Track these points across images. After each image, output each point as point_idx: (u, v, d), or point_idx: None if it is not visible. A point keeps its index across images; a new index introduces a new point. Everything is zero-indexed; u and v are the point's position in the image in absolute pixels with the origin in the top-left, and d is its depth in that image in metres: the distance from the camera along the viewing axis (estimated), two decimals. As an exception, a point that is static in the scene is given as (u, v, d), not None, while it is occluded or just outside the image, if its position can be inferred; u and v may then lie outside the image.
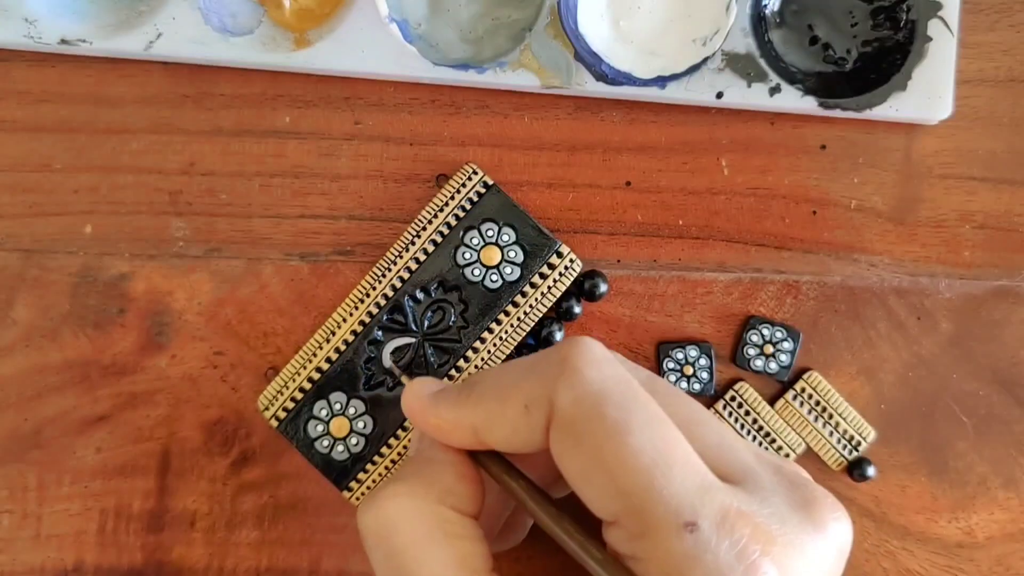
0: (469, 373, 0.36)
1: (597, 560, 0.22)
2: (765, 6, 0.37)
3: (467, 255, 0.36)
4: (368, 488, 0.36)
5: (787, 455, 0.37)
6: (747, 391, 0.37)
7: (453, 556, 0.22)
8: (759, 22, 0.37)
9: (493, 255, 0.36)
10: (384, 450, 0.36)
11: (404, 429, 0.36)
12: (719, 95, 0.36)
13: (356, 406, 0.36)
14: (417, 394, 0.26)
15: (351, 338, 0.36)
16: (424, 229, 0.36)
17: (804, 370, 0.38)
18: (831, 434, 0.37)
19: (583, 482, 0.22)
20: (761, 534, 0.20)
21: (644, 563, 0.20)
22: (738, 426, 0.37)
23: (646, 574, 0.20)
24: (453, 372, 0.36)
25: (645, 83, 0.36)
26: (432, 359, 0.36)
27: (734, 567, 0.20)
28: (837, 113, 0.37)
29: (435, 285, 0.36)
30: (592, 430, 0.21)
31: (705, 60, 0.36)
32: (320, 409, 0.36)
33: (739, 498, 0.21)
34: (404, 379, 0.30)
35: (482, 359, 0.36)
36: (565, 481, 0.27)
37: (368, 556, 0.24)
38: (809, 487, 0.23)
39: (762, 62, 0.36)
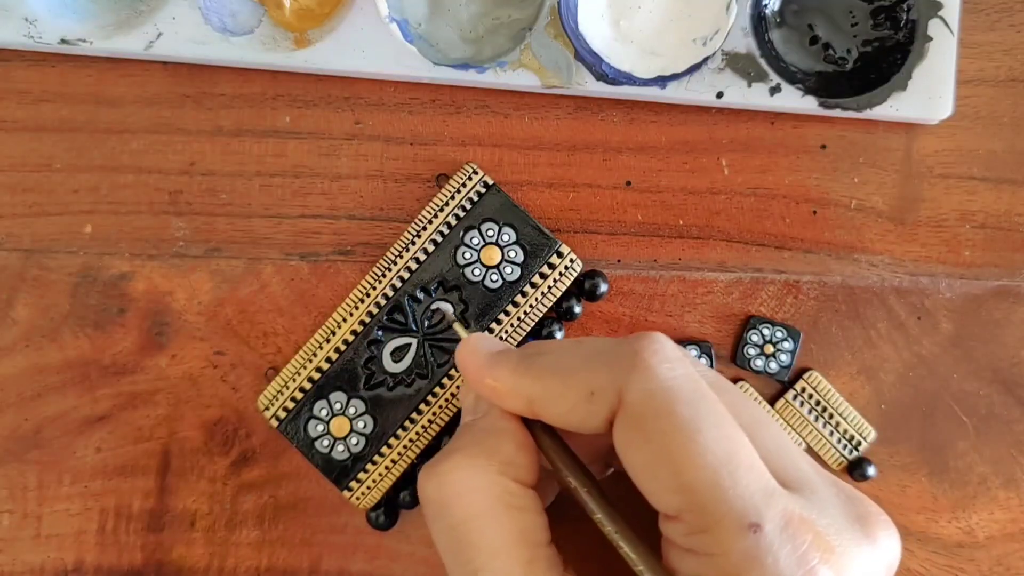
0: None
1: (633, 546, 0.22)
2: (765, 6, 0.37)
3: (467, 255, 0.36)
4: (368, 487, 0.36)
5: (787, 455, 0.37)
6: (747, 391, 0.37)
7: (515, 529, 0.23)
8: (759, 22, 0.37)
9: (493, 255, 0.36)
10: (384, 450, 0.36)
11: (404, 429, 0.36)
12: (719, 95, 0.36)
13: (356, 406, 0.36)
14: (474, 350, 0.26)
15: (351, 338, 0.36)
16: (424, 229, 0.36)
17: (804, 370, 0.38)
18: (831, 434, 0.37)
19: (647, 475, 0.22)
20: (821, 542, 0.21)
21: (704, 558, 0.21)
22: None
23: (704, 569, 0.21)
24: (453, 372, 0.36)
25: (645, 83, 0.36)
26: (432, 359, 0.36)
27: (793, 572, 0.20)
28: (837, 113, 0.37)
29: (435, 285, 0.36)
30: (661, 426, 0.22)
31: (705, 60, 0.36)
32: (320, 409, 0.36)
33: (801, 504, 0.21)
34: (460, 330, 0.29)
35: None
36: (605, 461, 0.27)
37: (428, 525, 0.24)
38: (864, 502, 0.23)
39: (762, 62, 0.36)
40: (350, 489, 0.36)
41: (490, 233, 0.36)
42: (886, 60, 0.37)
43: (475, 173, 0.36)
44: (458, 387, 0.36)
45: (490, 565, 0.22)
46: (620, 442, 0.22)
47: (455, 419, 0.36)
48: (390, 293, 0.36)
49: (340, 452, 0.36)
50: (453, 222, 0.36)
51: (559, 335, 0.37)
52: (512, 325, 0.36)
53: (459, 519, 0.23)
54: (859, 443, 0.37)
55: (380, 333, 0.36)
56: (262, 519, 0.37)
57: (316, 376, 0.36)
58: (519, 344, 0.36)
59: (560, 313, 0.37)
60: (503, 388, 0.25)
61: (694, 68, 0.36)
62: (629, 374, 0.22)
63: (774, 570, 0.20)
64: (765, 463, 0.22)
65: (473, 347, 0.26)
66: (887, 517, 0.23)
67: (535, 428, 0.25)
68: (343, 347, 0.36)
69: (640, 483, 0.22)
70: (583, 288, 0.37)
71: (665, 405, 0.22)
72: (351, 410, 0.36)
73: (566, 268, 0.36)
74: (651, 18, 0.37)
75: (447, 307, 0.34)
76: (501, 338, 0.36)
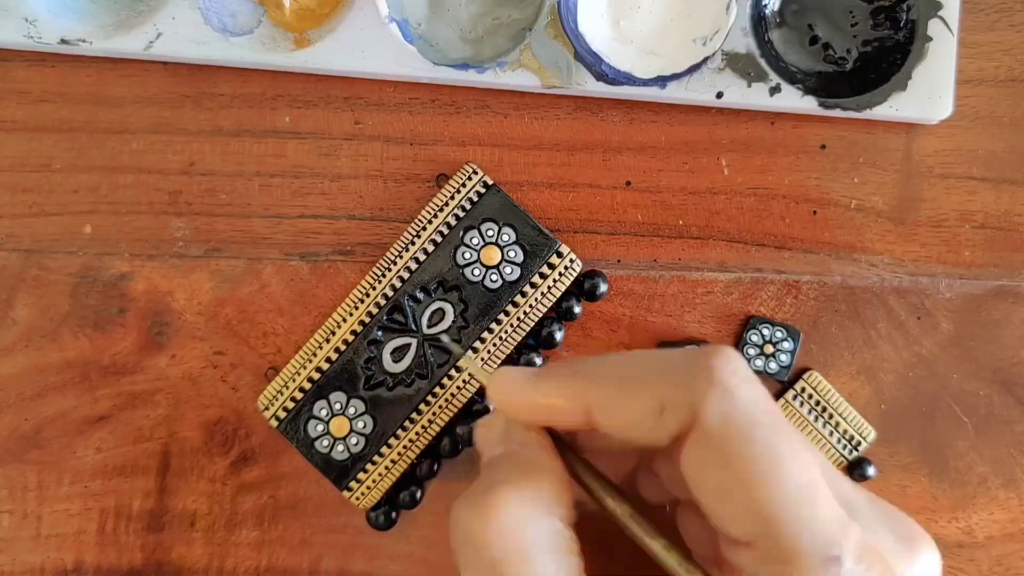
0: (469, 374, 0.36)
1: (693, 572, 0.22)
2: (765, 6, 0.37)
3: (467, 255, 0.36)
4: (368, 487, 0.36)
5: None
6: (747, 391, 0.37)
7: (561, 573, 0.22)
8: (759, 22, 0.37)
9: (493, 255, 0.36)
10: (384, 450, 0.36)
11: (404, 429, 0.36)
12: (719, 95, 0.36)
13: (356, 406, 0.36)
14: (513, 377, 0.24)
15: (351, 338, 0.36)
16: (424, 229, 0.36)
17: (804, 370, 0.38)
18: (831, 434, 0.37)
19: (721, 498, 0.21)
20: (888, 570, 0.21)
21: None
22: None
23: None
24: (453, 372, 0.36)
25: (645, 83, 0.36)
26: (432, 359, 0.36)
27: None
28: (837, 113, 0.36)
29: (435, 285, 0.36)
30: (742, 450, 0.21)
31: (705, 60, 0.36)
32: (320, 409, 0.36)
33: (864, 534, 0.21)
34: (477, 372, 0.27)
35: (482, 359, 0.36)
36: (633, 478, 0.26)
37: (456, 555, 0.23)
38: (907, 521, 0.23)
39: (762, 62, 0.36)
40: (350, 489, 0.36)
41: (490, 233, 0.36)
42: (886, 60, 0.37)
43: (475, 173, 0.36)
44: (457, 388, 0.36)
45: None
46: (692, 462, 0.22)
47: (455, 419, 0.36)
48: (390, 293, 0.36)
49: (340, 452, 0.36)
50: (453, 222, 0.36)
51: (559, 335, 0.37)
52: (512, 325, 0.36)
53: (502, 555, 0.22)
54: (859, 443, 0.37)
55: (380, 333, 0.36)
56: (262, 519, 0.37)
57: (316, 376, 0.36)
58: (516, 346, 0.36)
59: (560, 313, 0.37)
60: (559, 402, 0.23)
61: (694, 68, 0.36)
62: (706, 392, 0.22)
63: None
64: None
65: (509, 375, 0.25)
66: (928, 535, 0.23)
67: (570, 457, 0.24)
68: (343, 347, 0.36)
69: (710, 505, 0.22)
70: (583, 288, 0.37)
71: (745, 429, 0.21)
72: (351, 410, 0.36)
73: (566, 268, 0.36)
74: (651, 18, 0.37)
75: (457, 347, 0.33)
76: (500, 339, 0.36)
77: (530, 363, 0.36)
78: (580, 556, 0.23)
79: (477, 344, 0.36)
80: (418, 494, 0.36)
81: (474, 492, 0.23)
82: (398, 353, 0.36)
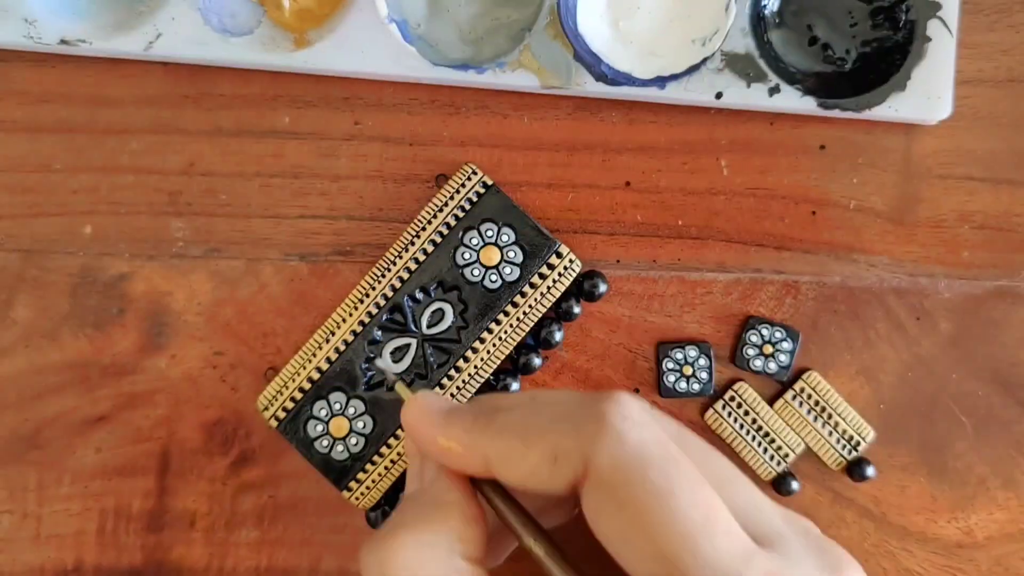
0: (468, 374, 0.36)
1: None
2: (764, 6, 0.37)
3: (466, 255, 0.36)
4: (368, 487, 0.36)
5: (786, 455, 0.37)
6: (746, 391, 0.37)
7: None
8: (758, 22, 0.37)
9: (492, 255, 0.36)
10: (384, 450, 0.36)
11: (403, 430, 0.36)
12: (718, 95, 0.36)
13: (356, 406, 0.36)
14: (424, 409, 0.25)
15: (351, 338, 0.36)
16: (423, 229, 0.36)
17: (803, 370, 0.38)
18: (830, 434, 0.37)
19: (621, 543, 0.21)
20: None
21: None
22: (737, 426, 0.37)
23: None
24: (452, 372, 0.36)
25: (645, 83, 0.36)
26: (431, 359, 0.36)
27: None
28: (836, 113, 0.37)
29: (434, 285, 0.36)
30: (633, 493, 0.21)
31: (704, 60, 0.36)
32: (320, 409, 0.36)
33: (778, 563, 0.21)
34: (402, 390, 0.27)
35: (481, 359, 0.36)
36: (553, 511, 0.26)
37: None
38: (835, 551, 0.23)
39: (761, 62, 0.36)
40: (349, 489, 0.36)
41: (489, 233, 0.36)
42: (885, 60, 0.37)
43: (474, 173, 0.36)
44: (457, 388, 0.36)
45: None
46: (590, 509, 0.22)
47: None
48: (389, 293, 0.36)
49: (339, 452, 0.36)
50: (452, 222, 0.36)
51: (558, 336, 0.37)
52: (511, 325, 0.36)
53: None
54: (858, 443, 0.37)
55: (379, 333, 0.36)
56: (262, 519, 0.37)
57: (315, 376, 0.36)
58: (516, 346, 0.36)
59: (559, 313, 0.37)
60: (458, 448, 0.23)
61: (693, 69, 0.36)
62: (595, 439, 0.22)
63: None
64: (737, 520, 0.21)
65: (422, 406, 0.25)
66: (857, 564, 0.23)
67: (486, 489, 0.24)
68: (343, 347, 0.36)
69: (613, 551, 0.21)
70: (582, 288, 0.37)
71: (636, 472, 0.21)
72: (350, 410, 0.36)
73: (565, 268, 0.36)
74: (650, 19, 0.37)
75: (386, 365, 0.33)
76: (500, 339, 0.36)
77: (529, 365, 0.36)
78: None
79: (477, 344, 0.36)
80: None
81: (376, 535, 0.23)
82: (398, 353, 0.36)
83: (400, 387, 0.28)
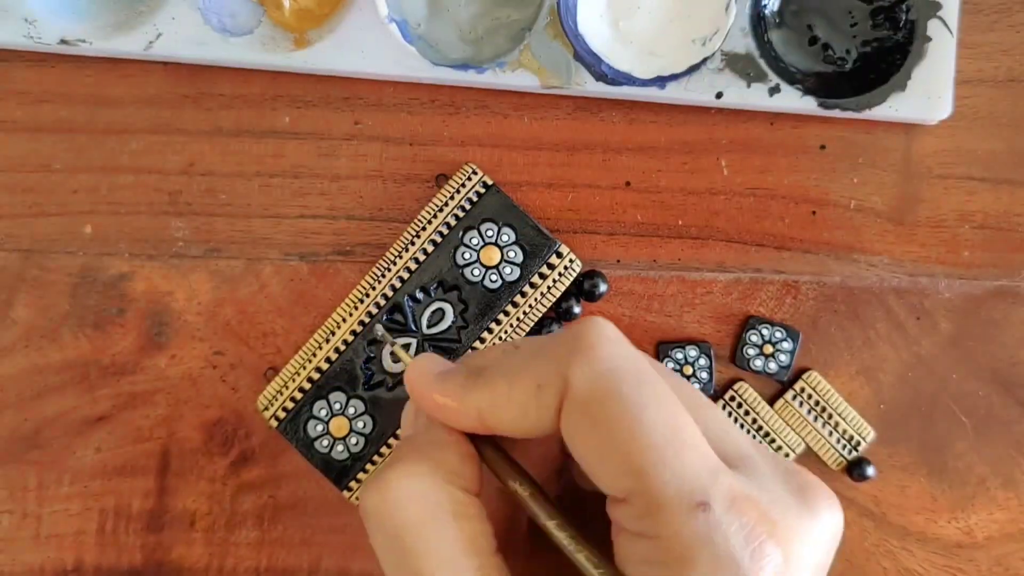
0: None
1: (591, 562, 0.22)
2: (764, 6, 0.37)
3: (467, 255, 0.36)
4: (368, 488, 0.36)
5: (787, 455, 0.37)
6: (746, 391, 0.37)
7: (462, 536, 0.22)
8: (758, 22, 0.37)
9: (492, 255, 0.36)
10: (384, 450, 0.36)
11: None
12: (719, 95, 0.36)
13: (356, 406, 0.36)
14: (422, 371, 0.26)
15: (351, 338, 0.36)
16: (424, 229, 0.36)
17: (803, 370, 0.38)
18: (830, 434, 0.37)
19: (595, 459, 0.22)
20: (766, 518, 0.21)
21: (653, 540, 0.21)
22: (737, 426, 0.37)
23: (654, 552, 0.21)
24: (453, 372, 0.36)
25: (645, 83, 0.36)
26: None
27: (742, 548, 0.20)
28: (836, 113, 0.37)
29: (435, 285, 0.36)
30: (607, 408, 0.21)
31: (705, 60, 0.36)
32: (320, 409, 0.36)
33: (744, 482, 0.21)
34: (401, 353, 0.29)
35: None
36: (559, 478, 0.27)
37: (370, 538, 0.23)
38: (803, 475, 0.24)
39: (761, 62, 0.36)
40: (350, 489, 0.36)
41: (489, 233, 0.36)
42: (885, 60, 0.37)
43: (474, 173, 0.36)
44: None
45: (438, 574, 0.22)
46: (568, 429, 0.22)
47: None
48: (389, 293, 0.36)
49: (339, 452, 0.36)
50: (452, 222, 0.36)
51: (558, 335, 0.37)
52: (511, 325, 0.36)
53: (404, 528, 0.22)
54: (858, 443, 0.37)
55: (379, 333, 0.36)
56: (261, 519, 0.37)
57: (315, 376, 0.36)
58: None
59: (559, 313, 0.37)
60: (452, 405, 0.24)
61: (693, 68, 0.36)
62: (572, 359, 0.22)
63: (724, 548, 0.20)
64: (708, 442, 0.22)
65: (421, 367, 0.26)
66: (828, 489, 0.23)
67: (480, 442, 0.25)
68: (342, 347, 0.36)
69: (589, 469, 0.22)
70: (582, 288, 0.37)
71: (610, 386, 0.22)
72: (350, 410, 0.36)
73: (565, 268, 0.36)
74: (650, 18, 0.37)
75: (381, 329, 0.34)
76: (500, 339, 0.36)
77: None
78: (487, 522, 0.23)
79: (477, 344, 0.36)
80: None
81: (374, 473, 0.24)
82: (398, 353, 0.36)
83: (398, 350, 0.29)
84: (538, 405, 0.23)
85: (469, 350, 0.36)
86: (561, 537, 0.23)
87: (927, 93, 0.36)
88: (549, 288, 0.36)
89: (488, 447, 0.25)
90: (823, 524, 0.22)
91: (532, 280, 0.36)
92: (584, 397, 0.22)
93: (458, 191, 0.36)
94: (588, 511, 0.24)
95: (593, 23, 0.36)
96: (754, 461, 0.23)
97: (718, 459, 0.22)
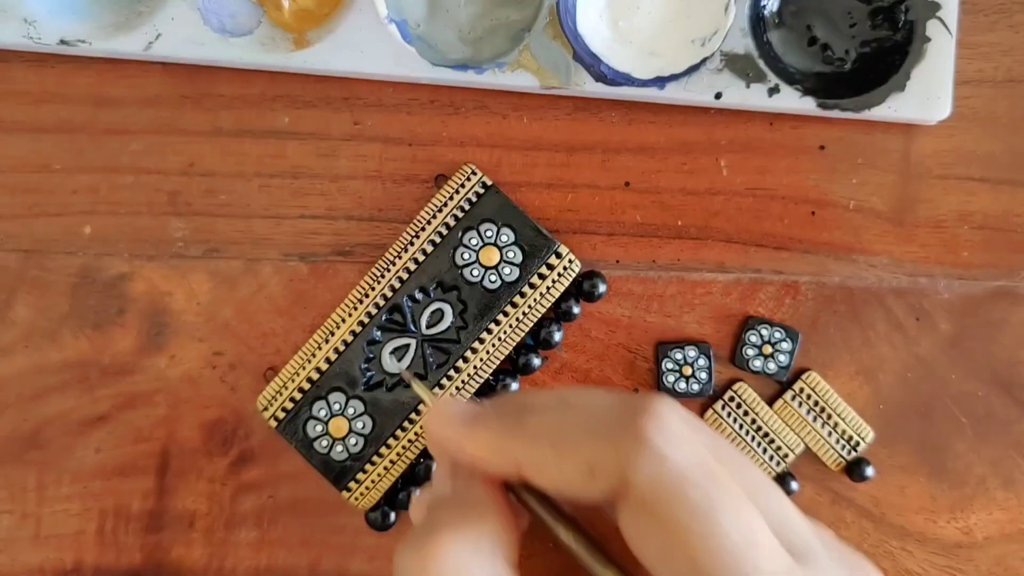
0: (468, 374, 0.36)
1: None
2: (764, 7, 0.37)
3: (466, 256, 0.36)
4: (367, 488, 0.36)
5: (786, 455, 0.37)
6: (746, 391, 0.37)
7: None
8: (758, 23, 0.37)
9: (492, 256, 0.36)
10: (383, 450, 0.36)
11: (403, 429, 0.36)
12: (718, 95, 0.36)
13: (355, 406, 0.36)
14: (448, 417, 0.24)
15: (350, 338, 0.36)
16: (423, 230, 0.36)
17: (803, 370, 0.38)
18: (830, 434, 0.37)
19: (659, 561, 0.21)
20: None
21: None
22: (737, 427, 0.37)
23: None
24: (452, 372, 0.36)
25: (644, 83, 0.36)
26: (431, 359, 0.36)
27: None
28: (836, 114, 0.37)
29: (434, 285, 0.36)
30: (675, 513, 0.20)
31: (704, 60, 0.36)
32: (319, 409, 0.36)
33: None
34: (422, 392, 0.27)
35: (481, 359, 0.36)
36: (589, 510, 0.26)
37: None
38: (862, 564, 0.23)
39: (761, 63, 0.36)
40: (349, 490, 0.36)
41: (488, 234, 0.36)
42: (884, 61, 0.37)
43: (474, 174, 0.36)
44: (456, 388, 0.36)
45: None
46: (628, 526, 0.21)
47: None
48: (389, 294, 0.36)
49: (339, 452, 0.36)
50: (452, 223, 0.36)
51: (558, 336, 0.37)
52: (511, 326, 0.36)
53: None
54: (858, 444, 0.37)
55: (379, 334, 0.36)
56: (261, 519, 0.37)
57: (315, 376, 0.36)
58: (515, 346, 0.36)
59: (559, 314, 0.37)
60: (487, 455, 0.23)
61: (693, 69, 0.36)
62: (633, 456, 0.21)
63: None
64: (772, 534, 0.21)
65: (444, 413, 0.24)
66: (879, 571, 0.23)
67: (519, 490, 0.24)
68: (342, 348, 0.36)
69: (651, 567, 0.21)
70: (582, 289, 0.37)
71: (676, 491, 0.21)
72: (350, 410, 0.36)
73: (565, 269, 0.36)
74: (650, 19, 0.37)
75: (403, 369, 0.33)
76: (499, 339, 0.36)
77: (528, 365, 0.36)
78: None
79: (476, 344, 0.36)
80: (417, 494, 0.36)
81: (415, 536, 0.22)
82: (397, 353, 0.36)
83: (419, 388, 0.27)
84: (587, 485, 0.22)
85: (469, 350, 0.36)
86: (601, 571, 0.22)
87: (926, 93, 0.36)
88: (548, 288, 0.36)
89: (531, 496, 0.24)
90: None
91: (531, 280, 0.36)
92: (648, 499, 0.21)
93: (457, 191, 0.36)
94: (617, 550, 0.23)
95: (592, 23, 0.36)
96: (815, 552, 0.22)
97: (790, 558, 0.21)
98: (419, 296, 0.36)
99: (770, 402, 0.38)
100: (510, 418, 0.23)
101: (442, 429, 0.24)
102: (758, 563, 0.20)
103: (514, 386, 0.37)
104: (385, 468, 0.36)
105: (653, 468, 0.21)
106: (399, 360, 0.36)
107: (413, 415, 0.36)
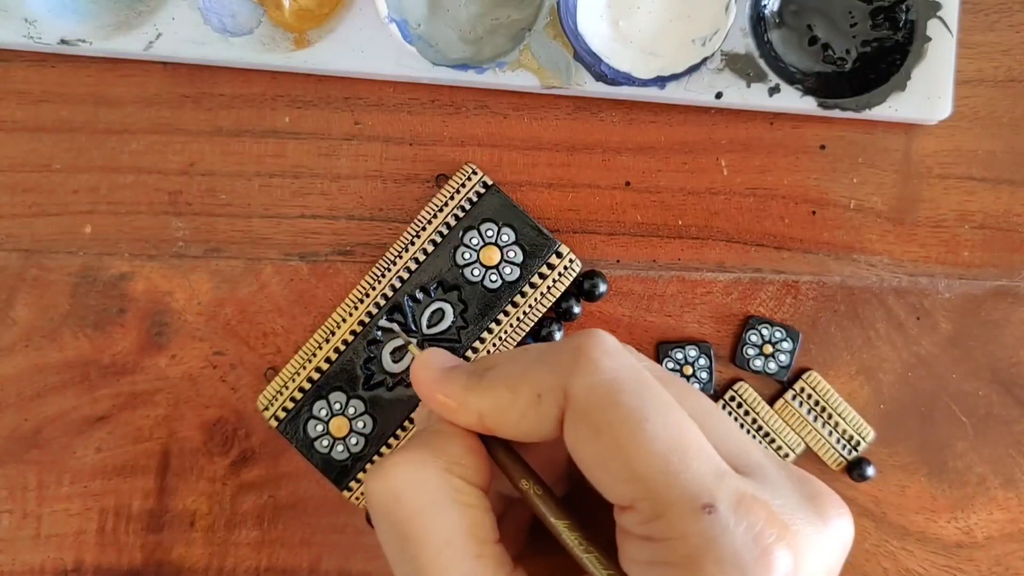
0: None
1: (600, 564, 0.22)
2: (764, 6, 0.37)
3: (466, 255, 0.36)
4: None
5: (786, 455, 0.37)
6: (746, 391, 0.37)
7: (461, 523, 0.23)
8: (758, 22, 0.37)
9: (492, 255, 0.36)
10: (384, 450, 0.36)
11: (403, 429, 0.36)
12: (718, 95, 0.36)
13: (356, 406, 0.36)
14: (428, 366, 0.26)
15: (350, 338, 0.36)
16: (424, 229, 0.36)
17: (803, 370, 0.38)
18: (830, 434, 0.37)
19: (599, 468, 0.22)
20: (775, 520, 0.21)
21: (658, 543, 0.21)
22: (747, 434, 0.37)
23: (660, 554, 0.21)
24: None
25: (644, 83, 0.36)
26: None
27: (750, 549, 0.20)
28: (836, 113, 0.37)
29: (434, 285, 0.36)
30: (608, 418, 0.22)
31: (704, 60, 0.36)
32: (320, 409, 0.36)
33: (752, 486, 0.21)
34: (412, 348, 0.30)
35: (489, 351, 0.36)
36: (565, 479, 0.27)
37: (375, 526, 0.24)
38: (814, 483, 0.24)
39: (761, 62, 0.36)
40: (350, 489, 0.36)
41: (489, 233, 0.36)
42: (885, 60, 0.37)
43: (474, 173, 0.36)
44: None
45: (436, 560, 0.22)
46: (571, 440, 0.23)
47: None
48: (389, 293, 0.36)
49: (340, 452, 0.36)
50: (452, 222, 0.36)
51: (558, 336, 0.37)
52: (511, 325, 0.36)
53: (405, 515, 0.23)
54: (858, 443, 0.37)
55: (379, 333, 0.36)
56: (262, 519, 0.37)
57: (315, 376, 0.36)
58: (518, 344, 0.36)
59: (559, 313, 0.37)
60: (453, 404, 0.25)
61: (693, 68, 0.36)
62: (572, 371, 0.23)
63: (731, 549, 0.20)
64: (716, 449, 0.22)
65: (426, 363, 0.26)
66: (839, 498, 0.23)
67: (491, 443, 0.25)
68: (342, 347, 0.36)
69: (593, 478, 0.22)
70: (582, 288, 0.37)
71: (610, 396, 0.22)
72: (350, 410, 0.36)
73: (565, 268, 0.36)
74: (650, 18, 0.37)
75: (395, 326, 0.34)
76: (500, 339, 0.36)
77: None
78: (488, 512, 0.24)
79: (477, 344, 0.36)
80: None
81: (379, 463, 0.24)
82: (398, 353, 0.36)
83: (411, 346, 0.30)
84: (538, 414, 0.23)
85: (469, 350, 0.36)
86: (570, 538, 0.23)
87: (927, 93, 0.36)
88: (549, 288, 0.36)
89: (499, 447, 0.25)
90: (834, 531, 0.22)
91: (532, 280, 0.36)
92: (585, 407, 0.22)
93: (458, 191, 0.36)
94: (593, 515, 0.24)
95: (593, 23, 0.37)
96: (764, 468, 0.23)
97: (724, 463, 0.22)
98: (420, 296, 0.36)
99: (771, 402, 0.38)
100: (475, 373, 0.25)
101: (422, 377, 0.26)
102: (687, 462, 0.21)
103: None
104: (386, 468, 0.36)
105: (589, 378, 0.22)
106: (399, 361, 0.36)
107: (413, 415, 0.36)
